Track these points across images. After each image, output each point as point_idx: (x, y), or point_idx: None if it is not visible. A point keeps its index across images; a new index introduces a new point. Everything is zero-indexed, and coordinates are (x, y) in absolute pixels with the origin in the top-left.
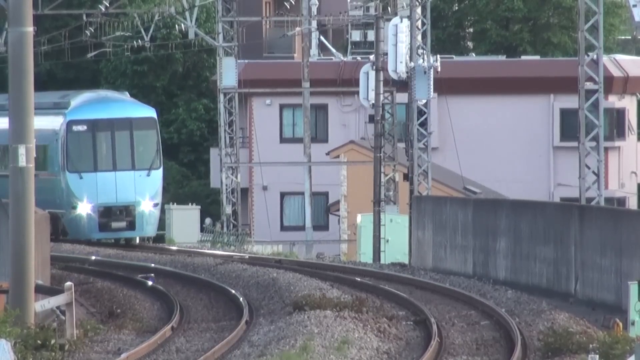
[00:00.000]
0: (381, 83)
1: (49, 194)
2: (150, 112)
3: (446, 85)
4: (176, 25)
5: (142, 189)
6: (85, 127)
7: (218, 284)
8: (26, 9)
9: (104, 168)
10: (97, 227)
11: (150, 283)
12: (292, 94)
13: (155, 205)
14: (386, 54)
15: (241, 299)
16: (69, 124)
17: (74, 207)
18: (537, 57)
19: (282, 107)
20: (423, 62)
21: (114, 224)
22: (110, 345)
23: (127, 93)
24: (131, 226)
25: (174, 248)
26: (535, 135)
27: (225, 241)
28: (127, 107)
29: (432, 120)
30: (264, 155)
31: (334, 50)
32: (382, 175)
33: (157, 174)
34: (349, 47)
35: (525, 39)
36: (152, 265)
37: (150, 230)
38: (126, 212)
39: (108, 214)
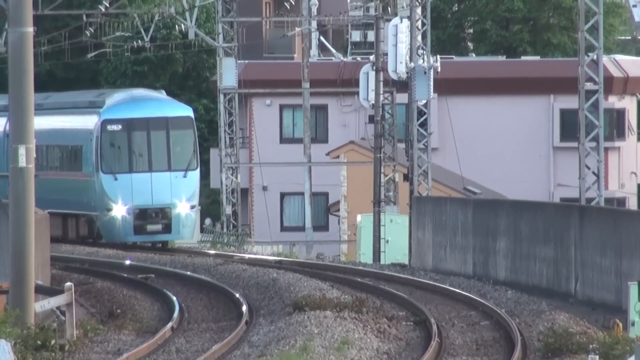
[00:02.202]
0: (381, 83)
1: (83, 195)
2: (187, 111)
3: (446, 86)
4: (176, 26)
5: (179, 191)
6: (120, 127)
7: (218, 284)
8: (26, 9)
9: (139, 169)
10: (132, 230)
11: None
12: (292, 95)
13: (193, 207)
14: (386, 54)
15: (243, 304)
16: (104, 123)
17: (109, 210)
18: (537, 58)
19: (282, 107)
20: (423, 62)
21: (150, 227)
22: (110, 345)
23: (163, 91)
24: (167, 229)
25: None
26: (535, 135)
27: (225, 241)
28: (164, 105)
29: (432, 120)
30: (264, 156)
31: (334, 50)
32: (382, 175)
33: (194, 175)
34: (349, 47)
35: (525, 40)
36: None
37: (187, 233)
38: (162, 215)
39: (143, 216)
